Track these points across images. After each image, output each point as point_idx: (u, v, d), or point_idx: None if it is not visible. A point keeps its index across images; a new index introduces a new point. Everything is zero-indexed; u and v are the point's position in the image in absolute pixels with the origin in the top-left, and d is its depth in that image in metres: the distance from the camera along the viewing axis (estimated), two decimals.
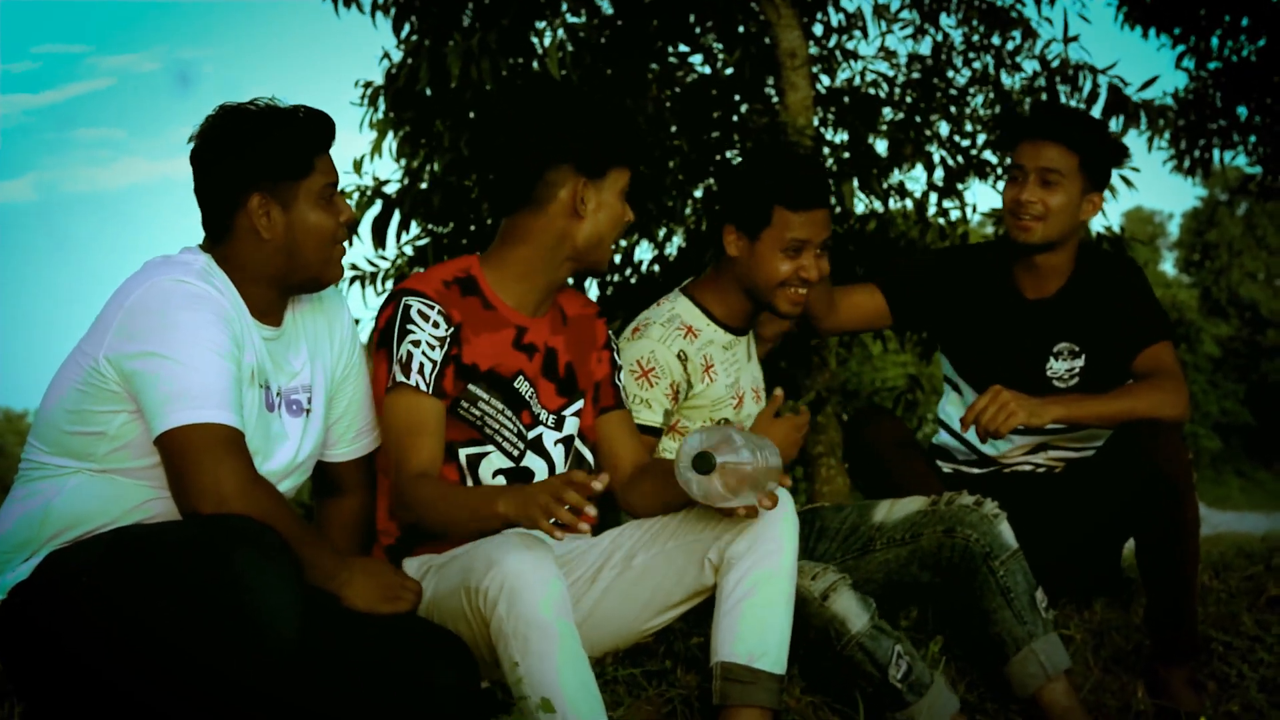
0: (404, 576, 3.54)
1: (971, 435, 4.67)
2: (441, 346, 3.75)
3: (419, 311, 3.75)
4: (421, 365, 3.72)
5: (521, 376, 3.88)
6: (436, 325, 3.75)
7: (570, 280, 4.03)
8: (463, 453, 3.84)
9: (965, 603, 4.23)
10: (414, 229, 8.48)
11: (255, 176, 3.42)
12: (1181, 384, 4.49)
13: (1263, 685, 4.49)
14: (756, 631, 3.65)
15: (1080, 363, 4.66)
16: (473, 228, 8.30)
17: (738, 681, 3.64)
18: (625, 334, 4.37)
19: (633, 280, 8.68)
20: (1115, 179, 8.27)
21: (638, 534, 3.82)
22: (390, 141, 8.23)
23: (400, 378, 3.71)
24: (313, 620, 3.09)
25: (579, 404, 4.04)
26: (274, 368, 3.54)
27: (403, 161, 8.43)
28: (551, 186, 3.83)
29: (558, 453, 3.97)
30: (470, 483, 3.85)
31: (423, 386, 3.71)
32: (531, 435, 3.92)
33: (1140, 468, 4.26)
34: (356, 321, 4.09)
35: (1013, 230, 4.60)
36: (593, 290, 8.66)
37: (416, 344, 3.72)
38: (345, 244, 3.58)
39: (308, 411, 3.62)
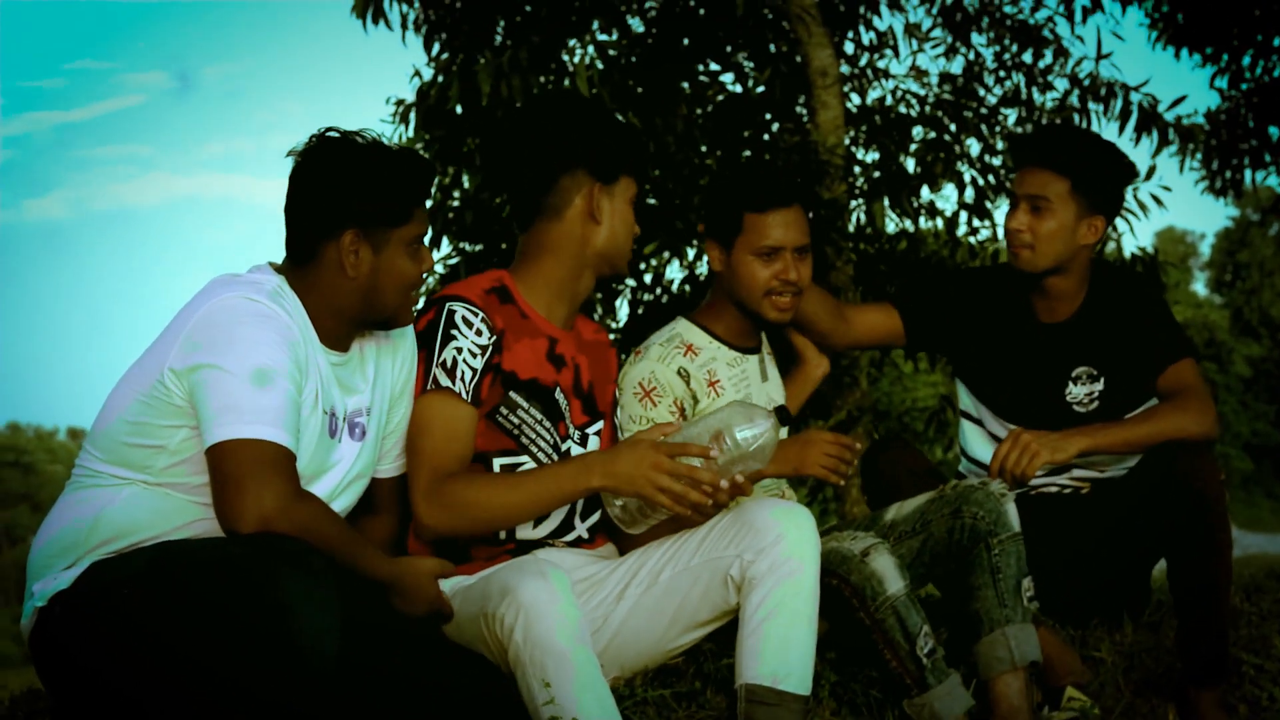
0: (440, 592, 3.56)
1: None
2: (483, 355, 3.76)
3: (463, 318, 3.76)
4: (463, 372, 3.73)
5: (559, 388, 3.90)
6: (480, 333, 3.76)
7: (594, 291, 4.05)
8: (497, 462, 3.84)
9: (956, 576, 4.21)
10: (445, 247, 8.51)
11: (355, 215, 3.45)
12: (1207, 400, 4.46)
13: None
14: (779, 652, 3.63)
15: (1100, 386, 4.64)
16: (504, 245, 8.32)
17: (762, 703, 3.62)
18: (630, 359, 4.38)
19: (664, 300, 8.69)
20: (1145, 198, 8.26)
21: (661, 550, 3.82)
22: None
23: (445, 381, 3.72)
24: (353, 638, 3.09)
25: (599, 425, 4.06)
26: (340, 393, 3.55)
27: (436, 180, 8.44)
28: (567, 193, 3.88)
29: None
30: None
31: (464, 394, 3.72)
32: (563, 449, 3.93)
33: (1175, 487, 4.24)
34: None
35: (1010, 256, 4.61)
36: (624, 309, 8.68)
37: (459, 350, 3.74)
38: (419, 291, 3.62)
39: (366, 434, 3.63)
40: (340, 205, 3.44)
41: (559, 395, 3.90)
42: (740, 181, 4.41)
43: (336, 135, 3.49)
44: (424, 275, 3.58)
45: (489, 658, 3.50)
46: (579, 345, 4.03)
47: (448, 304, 3.78)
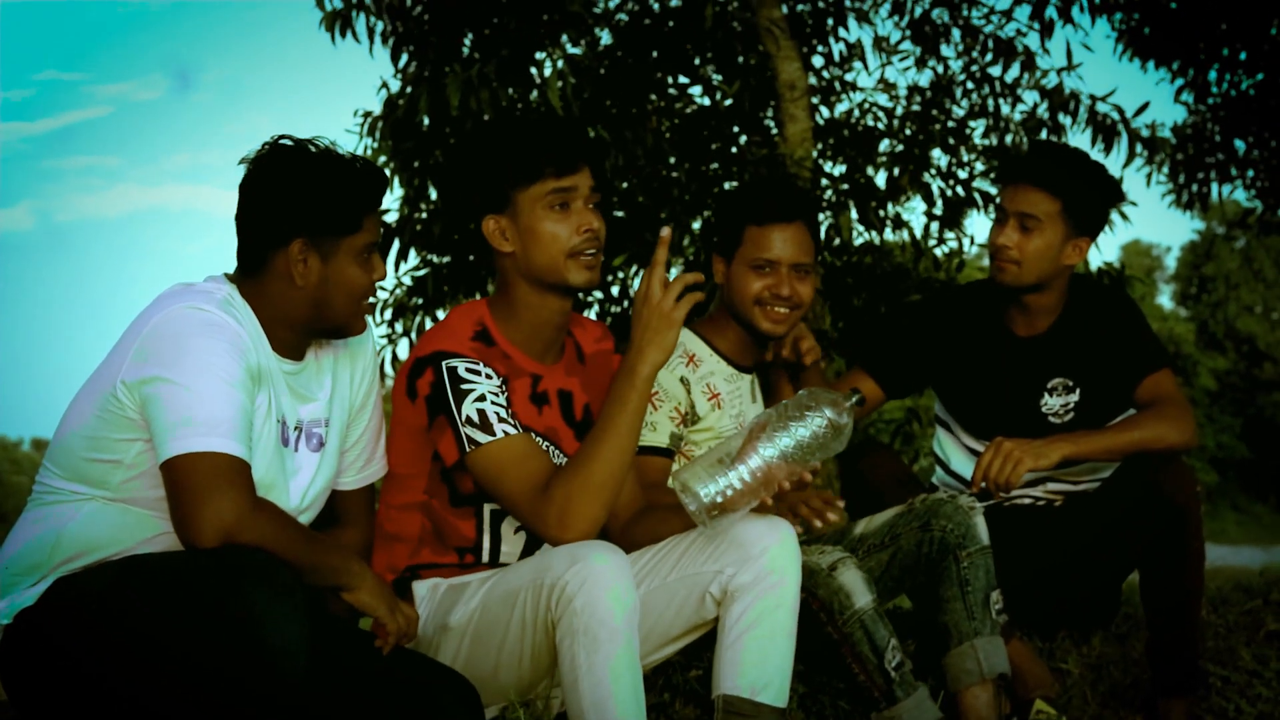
0: (403, 603, 3.53)
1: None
2: (503, 392, 3.72)
3: (468, 369, 3.71)
4: (498, 414, 3.66)
5: (533, 432, 3.82)
6: (490, 376, 3.71)
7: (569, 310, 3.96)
8: (487, 507, 3.83)
9: (925, 589, 4.21)
10: (413, 258, 8.49)
11: (303, 224, 3.41)
12: (1186, 409, 4.47)
13: None
14: (758, 664, 3.62)
15: (1075, 397, 4.65)
16: (471, 258, 8.30)
17: (739, 714, 3.61)
18: None
19: (630, 311, 8.68)
20: (1113, 214, 8.28)
21: (638, 565, 3.80)
22: (389, 171, 8.22)
23: (484, 438, 3.64)
24: (321, 655, 3.08)
25: None
26: (293, 401, 3.52)
27: (401, 191, 8.43)
28: (485, 226, 3.83)
29: None
30: (488, 540, 3.84)
31: (511, 431, 3.65)
32: None
33: (1149, 498, 4.26)
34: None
35: (993, 270, 4.60)
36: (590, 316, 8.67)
37: (482, 399, 3.67)
38: (372, 300, 3.58)
39: (324, 444, 3.61)
40: (288, 214, 3.41)
41: (539, 440, 3.83)
42: (745, 196, 4.46)
43: (288, 144, 3.46)
44: (375, 284, 3.53)
45: (508, 647, 3.54)
46: (570, 368, 3.97)
47: (442, 362, 3.71)
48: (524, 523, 3.66)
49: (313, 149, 3.46)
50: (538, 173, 3.76)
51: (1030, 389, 4.66)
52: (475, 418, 3.64)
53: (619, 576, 3.38)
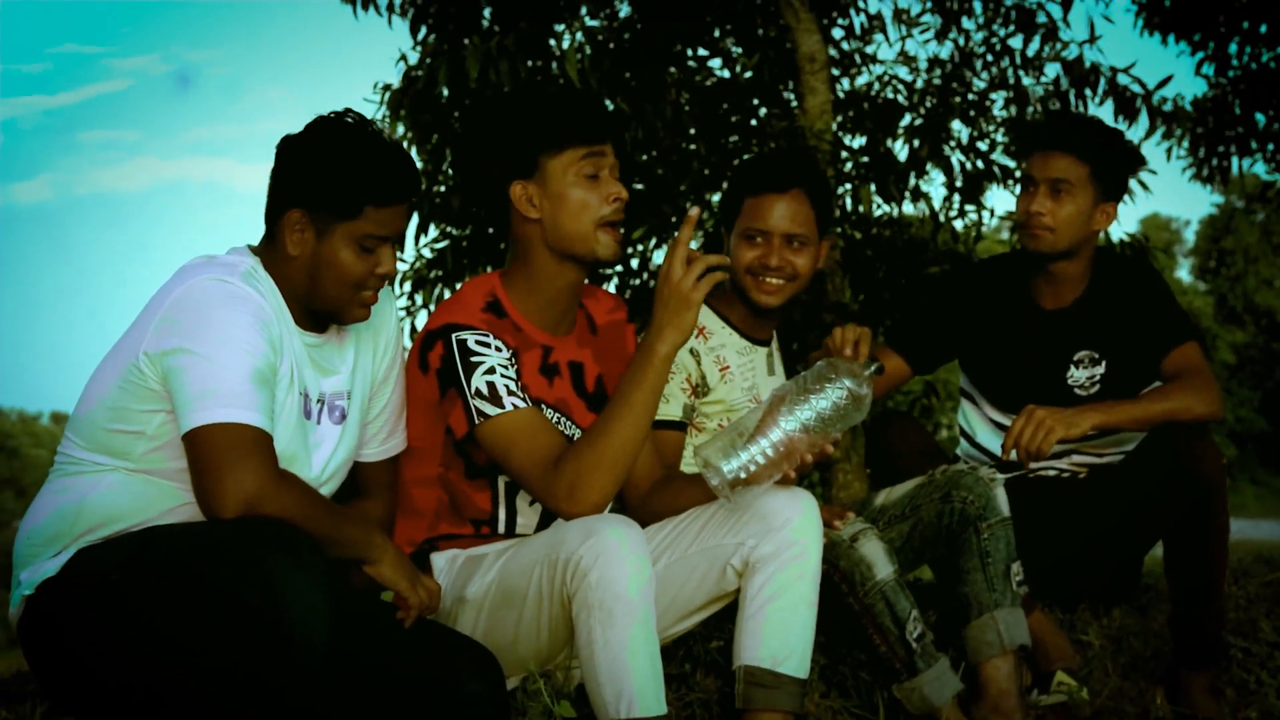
0: (425, 576, 3.54)
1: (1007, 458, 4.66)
2: (513, 364, 3.70)
3: (477, 342, 3.69)
4: (508, 387, 3.65)
5: (543, 405, 3.82)
6: (500, 349, 3.70)
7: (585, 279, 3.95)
8: (502, 479, 3.82)
9: (945, 560, 4.23)
10: (432, 231, 8.50)
11: (299, 196, 3.39)
12: (1212, 381, 4.46)
13: None
14: (780, 635, 3.63)
15: (1101, 369, 4.64)
16: (490, 230, 8.31)
17: (761, 685, 3.63)
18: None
19: (651, 284, 8.68)
20: (1132, 184, 8.27)
21: (659, 538, 3.80)
22: (408, 144, 8.23)
23: (493, 410, 3.62)
24: (342, 627, 3.09)
25: None
26: (315, 374, 3.52)
27: (420, 164, 8.43)
28: (504, 197, 3.80)
29: None
30: (504, 512, 3.84)
31: (520, 404, 3.64)
32: None
33: (1175, 470, 4.25)
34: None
35: (1024, 239, 4.59)
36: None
37: (492, 371, 3.66)
38: (373, 292, 3.51)
39: (346, 417, 3.61)
40: (288, 183, 3.41)
41: (548, 412, 3.82)
42: (745, 167, 4.43)
43: (333, 117, 3.45)
44: (377, 275, 3.46)
45: (527, 618, 3.53)
46: (581, 339, 3.97)
47: (453, 335, 3.69)
48: (533, 495, 3.65)
49: (350, 124, 3.44)
50: (569, 139, 3.74)
51: (1056, 362, 4.65)
52: (484, 390, 3.63)
53: (634, 550, 3.37)
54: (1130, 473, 4.43)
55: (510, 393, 3.64)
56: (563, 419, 3.86)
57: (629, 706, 3.34)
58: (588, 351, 3.97)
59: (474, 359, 3.66)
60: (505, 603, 3.57)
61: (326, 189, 3.38)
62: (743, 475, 3.52)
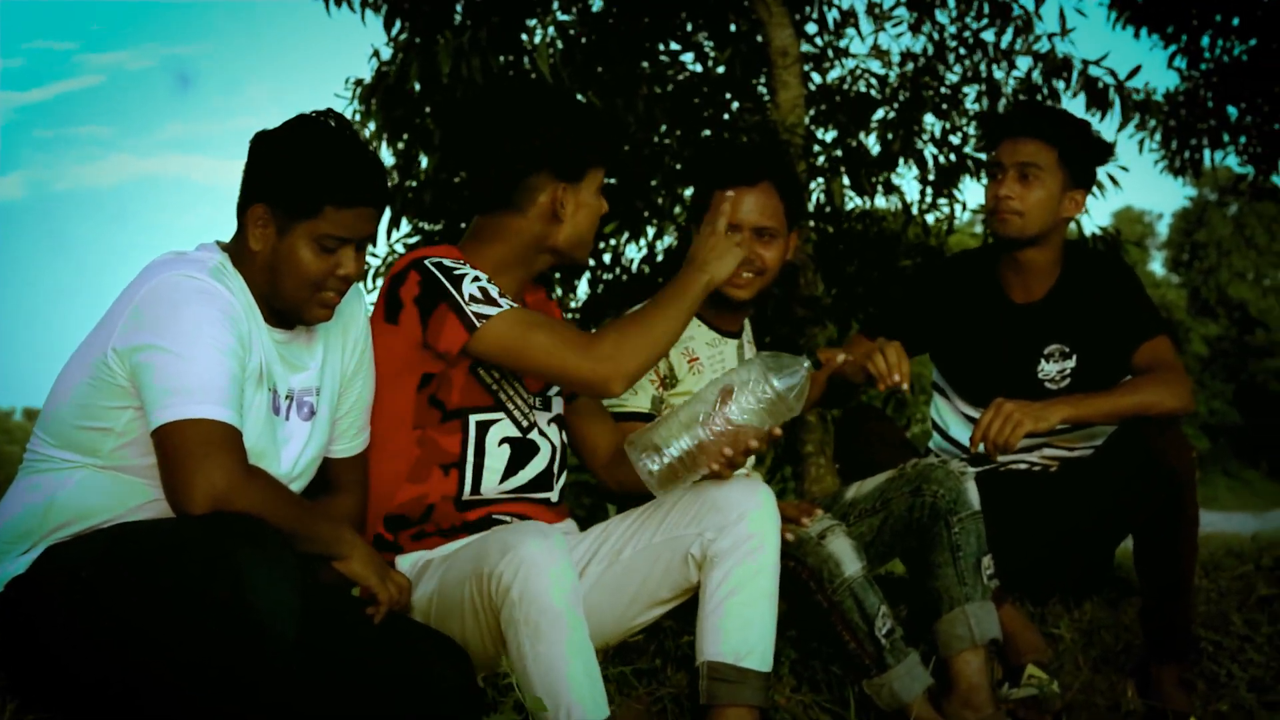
0: (395, 571, 3.53)
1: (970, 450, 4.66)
2: (490, 284, 3.72)
3: (453, 261, 3.74)
4: (498, 291, 3.68)
5: None
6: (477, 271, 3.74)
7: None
8: (473, 419, 3.82)
9: (916, 554, 4.23)
10: (404, 226, 8.49)
11: (263, 192, 3.39)
12: (1183, 375, 4.48)
13: (1252, 685, 4.50)
14: (741, 630, 3.63)
15: (1071, 364, 4.65)
16: (463, 225, 8.28)
17: (724, 681, 3.63)
18: None
19: (624, 279, 8.68)
20: (1103, 177, 8.29)
21: (624, 526, 3.82)
22: (379, 140, 8.22)
23: (492, 310, 3.64)
24: (312, 621, 3.08)
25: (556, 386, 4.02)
26: (284, 370, 3.50)
27: (392, 159, 8.42)
28: (531, 192, 3.83)
29: (552, 432, 3.96)
30: (472, 452, 3.83)
31: (515, 306, 3.68)
32: (530, 416, 3.90)
33: (1144, 462, 4.26)
34: None
35: (994, 225, 4.60)
36: (583, 288, 8.67)
37: (479, 280, 3.69)
38: (334, 293, 3.48)
39: (315, 413, 3.60)
40: (254, 178, 3.40)
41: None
42: (710, 161, 4.45)
43: (312, 116, 3.44)
44: (336, 277, 3.43)
45: (468, 625, 3.51)
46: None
47: (424, 261, 3.73)
48: (562, 372, 3.65)
49: (325, 124, 3.43)
50: (607, 158, 3.91)
51: (1027, 355, 4.66)
52: (478, 294, 3.66)
53: (553, 559, 3.35)
54: (1100, 466, 4.44)
55: (503, 295, 3.68)
56: (515, 382, 3.88)
57: (568, 715, 3.33)
58: None
59: (457, 272, 3.70)
60: (447, 612, 3.57)
61: (288, 185, 3.37)
62: (663, 469, 3.55)
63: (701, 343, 4.37)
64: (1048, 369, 4.65)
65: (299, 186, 3.37)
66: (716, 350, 4.40)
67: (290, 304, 3.46)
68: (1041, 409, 4.27)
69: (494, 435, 3.83)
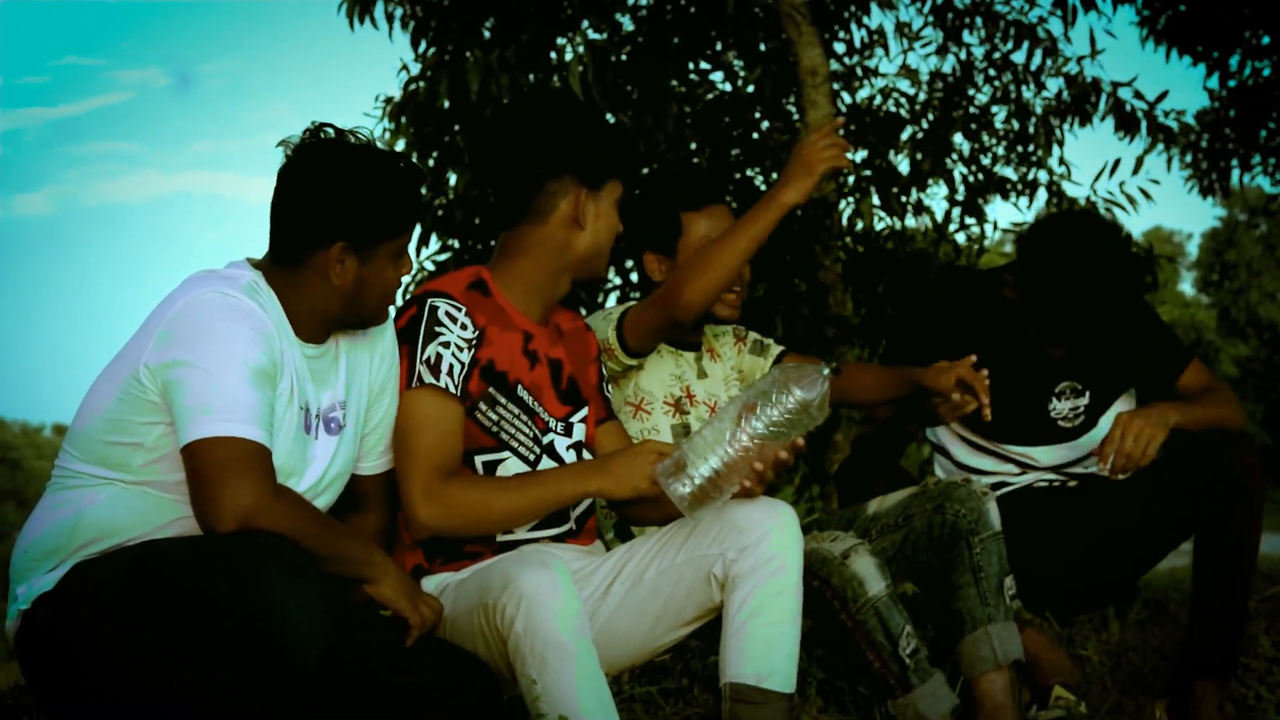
0: (426, 592, 3.53)
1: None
2: (469, 349, 3.76)
3: (447, 313, 3.76)
4: (451, 367, 3.72)
5: (520, 385, 3.88)
6: (465, 327, 3.76)
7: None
8: (478, 460, 3.83)
9: (938, 575, 4.23)
10: (434, 243, 8.51)
11: (348, 229, 3.41)
12: (1232, 394, 4.54)
13: None
14: (764, 651, 3.62)
15: (1084, 401, 4.64)
16: (493, 242, 8.30)
17: (747, 702, 3.61)
18: None
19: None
20: (1134, 191, 8.34)
21: (647, 547, 3.81)
22: (409, 156, 8.24)
23: (429, 379, 3.70)
24: (341, 640, 3.08)
25: (584, 411, 4.05)
26: (315, 386, 3.51)
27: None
28: (553, 198, 3.87)
29: (570, 458, 3.97)
30: None
31: (451, 389, 3.72)
32: (545, 441, 3.92)
33: (1223, 472, 4.26)
34: None
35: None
36: (610, 302, 8.68)
37: (446, 345, 3.73)
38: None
39: (343, 428, 3.61)
40: (334, 218, 3.39)
41: (523, 393, 3.88)
42: (670, 185, 4.49)
43: (331, 136, 3.45)
44: (404, 280, 3.57)
45: (481, 651, 3.50)
46: (553, 340, 4.02)
47: (429, 300, 3.77)
48: (403, 493, 3.72)
49: (355, 144, 3.45)
50: (626, 172, 4.04)
51: (1039, 393, 4.65)
52: (433, 359, 3.72)
53: (554, 591, 3.35)
54: (1168, 475, 4.40)
55: (449, 374, 3.73)
56: (534, 402, 3.90)
57: None
58: (560, 350, 4.03)
59: (437, 329, 3.75)
60: (461, 638, 3.58)
61: (376, 218, 3.43)
62: (698, 491, 3.55)
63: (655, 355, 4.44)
64: (1060, 407, 4.64)
65: (387, 215, 3.44)
66: (671, 362, 4.48)
67: (367, 317, 3.56)
68: (1160, 416, 4.26)
69: (503, 474, 3.86)
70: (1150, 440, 4.19)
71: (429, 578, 3.80)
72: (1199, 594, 4.33)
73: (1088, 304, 4.41)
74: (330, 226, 3.39)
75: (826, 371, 3.62)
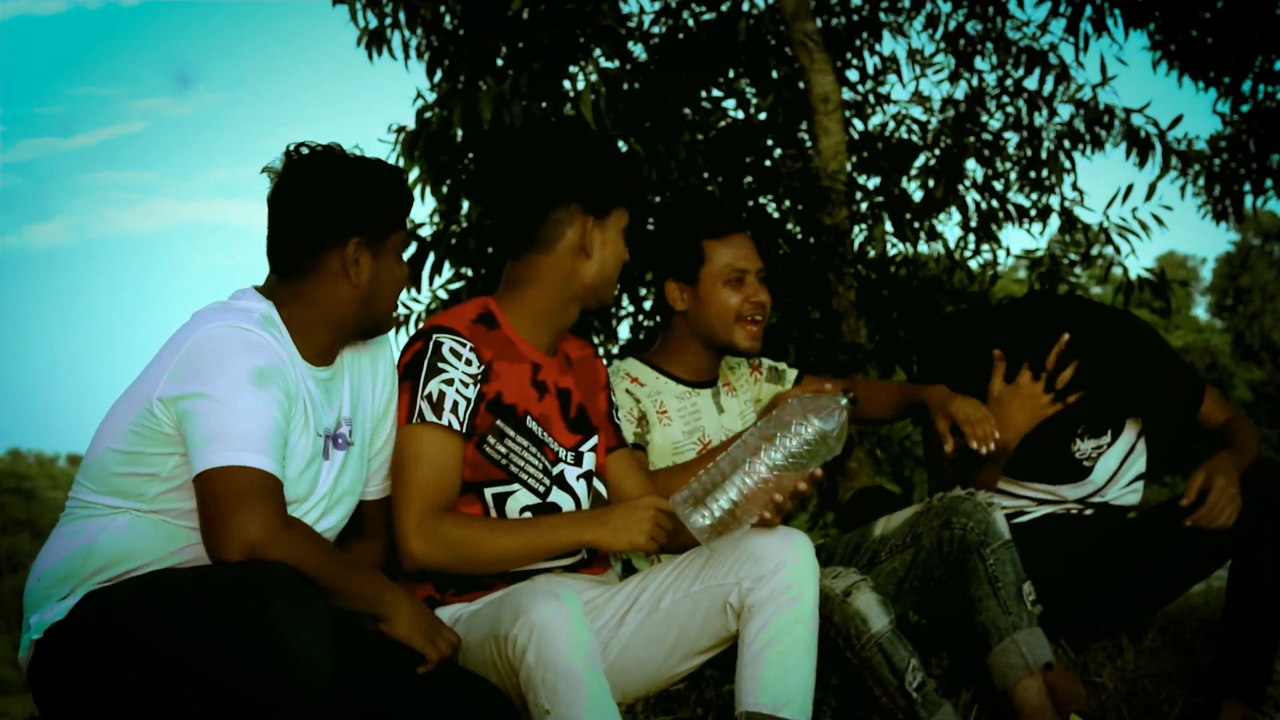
0: (443, 623, 3.53)
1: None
2: (474, 384, 3.76)
3: (451, 349, 3.77)
4: (455, 404, 3.73)
5: (529, 416, 3.88)
6: (469, 363, 3.77)
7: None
8: (488, 492, 3.84)
9: (955, 591, 4.22)
10: (447, 271, 8.51)
11: (361, 223, 3.47)
12: (1249, 421, 4.62)
13: None
14: (779, 680, 3.62)
15: (1106, 439, 4.66)
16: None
17: None
18: None
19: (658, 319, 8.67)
20: (1147, 218, 8.33)
21: (662, 576, 3.82)
22: (422, 187, 8.25)
23: (430, 417, 3.71)
24: (353, 668, 3.08)
25: (594, 440, 4.05)
26: (326, 409, 3.53)
27: (434, 204, 8.46)
28: (559, 225, 3.88)
29: (580, 488, 3.97)
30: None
31: (455, 425, 3.73)
32: (555, 471, 3.92)
33: (1259, 495, 4.34)
34: None
35: None
36: (624, 331, 8.68)
37: (449, 382, 3.74)
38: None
39: (350, 444, 3.61)
40: (347, 212, 3.46)
41: (531, 423, 3.88)
42: (694, 213, 4.53)
43: (316, 148, 3.50)
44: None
45: (494, 681, 3.49)
46: (562, 369, 4.02)
47: (434, 335, 3.79)
48: (394, 513, 3.72)
49: (341, 152, 3.52)
50: (633, 200, 4.04)
51: (1062, 434, 4.65)
52: (435, 396, 3.73)
53: (565, 621, 3.36)
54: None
55: (453, 410, 3.73)
56: (543, 433, 3.90)
57: None
58: (569, 379, 4.03)
59: (441, 364, 3.75)
60: (474, 671, 3.57)
61: (383, 208, 3.51)
62: (715, 522, 3.55)
63: (670, 395, 4.45)
64: (1083, 447, 4.66)
65: (392, 204, 3.53)
66: (686, 403, 4.47)
67: (383, 318, 3.63)
68: (1232, 470, 4.36)
69: (513, 505, 3.86)
70: (1232, 499, 4.29)
71: (442, 609, 3.80)
72: (1233, 615, 4.35)
73: (1084, 383, 4.49)
74: (344, 223, 3.46)
75: (844, 401, 3.63)
